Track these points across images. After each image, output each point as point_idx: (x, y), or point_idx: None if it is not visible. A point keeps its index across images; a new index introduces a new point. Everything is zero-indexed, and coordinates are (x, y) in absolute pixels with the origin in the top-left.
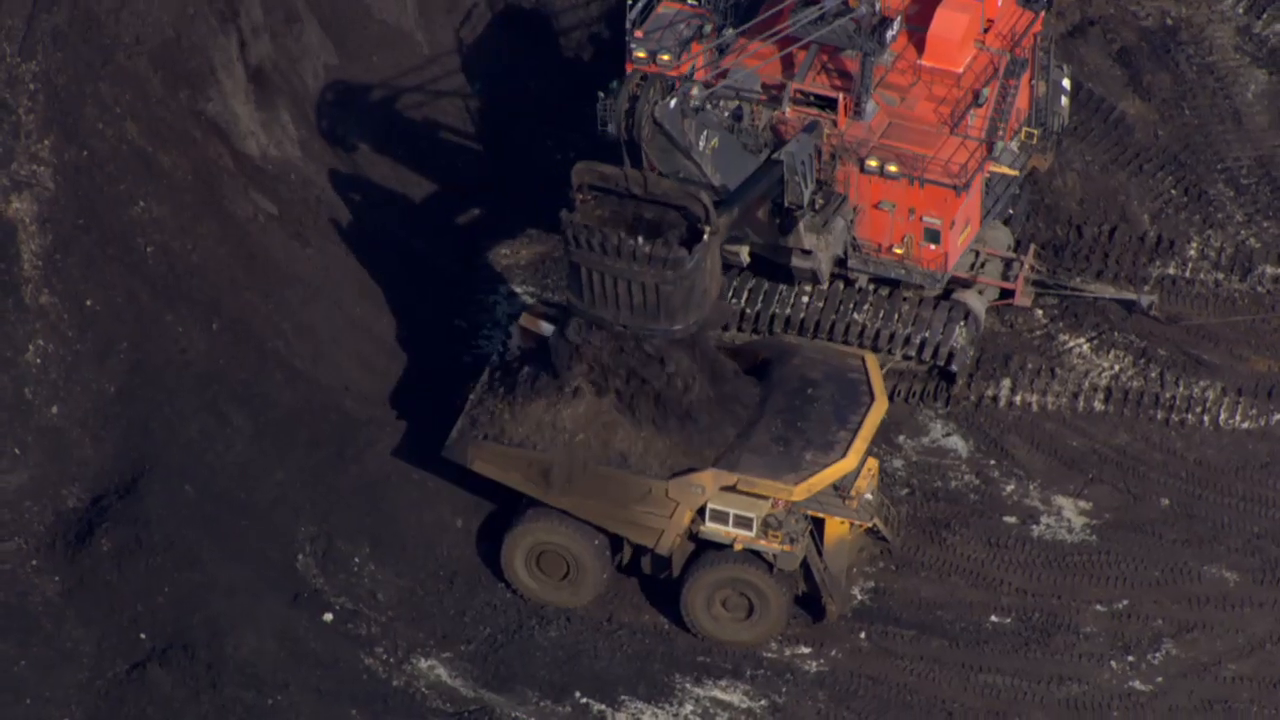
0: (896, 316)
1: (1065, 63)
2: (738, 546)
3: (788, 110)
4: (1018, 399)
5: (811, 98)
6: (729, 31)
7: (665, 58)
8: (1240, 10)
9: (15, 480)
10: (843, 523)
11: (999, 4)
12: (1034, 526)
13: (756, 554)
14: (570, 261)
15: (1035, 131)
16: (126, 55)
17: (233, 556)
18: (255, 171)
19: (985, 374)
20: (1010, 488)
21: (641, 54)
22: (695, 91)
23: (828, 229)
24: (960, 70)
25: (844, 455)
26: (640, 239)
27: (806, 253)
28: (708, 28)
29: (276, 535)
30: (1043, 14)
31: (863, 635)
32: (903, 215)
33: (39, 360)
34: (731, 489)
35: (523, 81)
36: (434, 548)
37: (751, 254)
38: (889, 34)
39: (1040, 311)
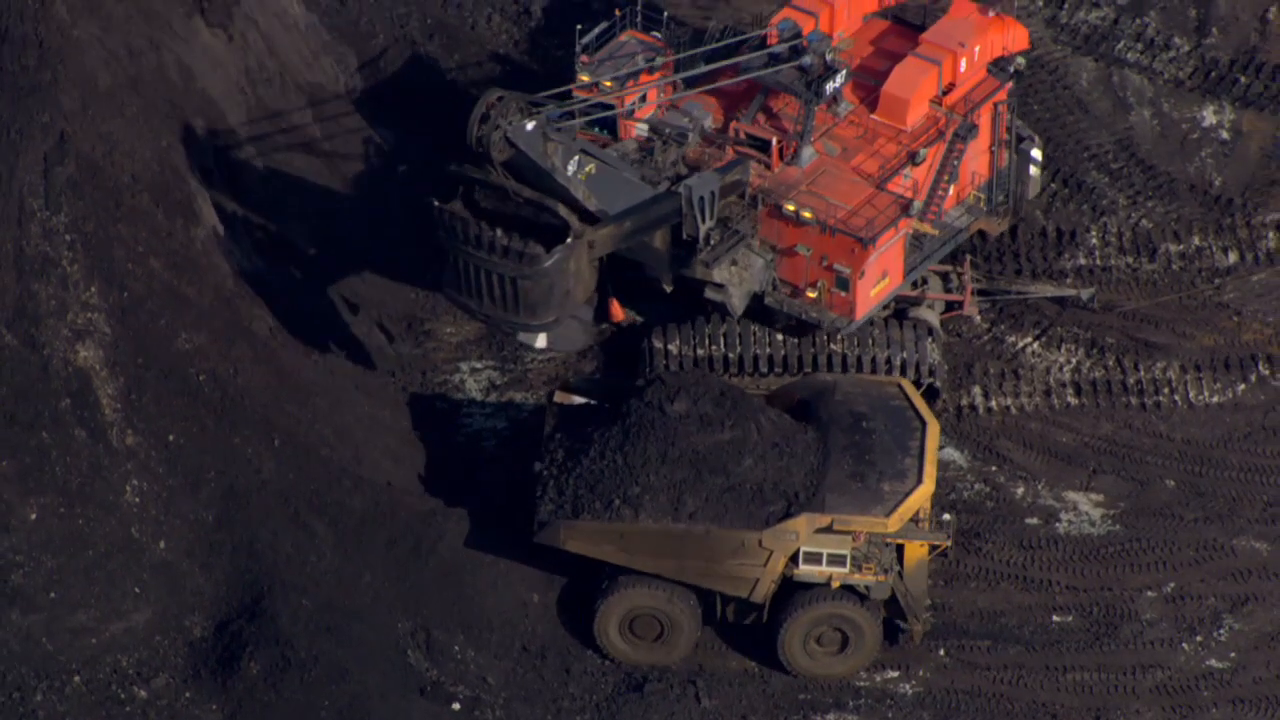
0: (870, 341)
1: (1036, 134)
2: (835, 584)
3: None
4: (994, 404)
5: (745, 137)
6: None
7: (608, 84)
8: (1041, 3)
9: (140, 618)
10: (921, 545)
11: (962, 68)
12: (1058, 524)
13: (849, 588)
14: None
15: (982, 196)
16: (131, 195)
17: (364, 662)
18: (259, 289)
19: (954, 384)
20: (1020, 490)
21: (585, 78)
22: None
23: (742, 265)
24: (909, 129)
25: (921, 481)
26: (500, 233)
27: (719, 286)
28: (659, 61)
29: (384, 634)
30: (1009, 84)
31: (941, 652)
32: (816, 261)
33: (138, 499)
34: (824, 531)
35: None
36: (518, 626)
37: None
38: (829, 86)
39: (978, 317)
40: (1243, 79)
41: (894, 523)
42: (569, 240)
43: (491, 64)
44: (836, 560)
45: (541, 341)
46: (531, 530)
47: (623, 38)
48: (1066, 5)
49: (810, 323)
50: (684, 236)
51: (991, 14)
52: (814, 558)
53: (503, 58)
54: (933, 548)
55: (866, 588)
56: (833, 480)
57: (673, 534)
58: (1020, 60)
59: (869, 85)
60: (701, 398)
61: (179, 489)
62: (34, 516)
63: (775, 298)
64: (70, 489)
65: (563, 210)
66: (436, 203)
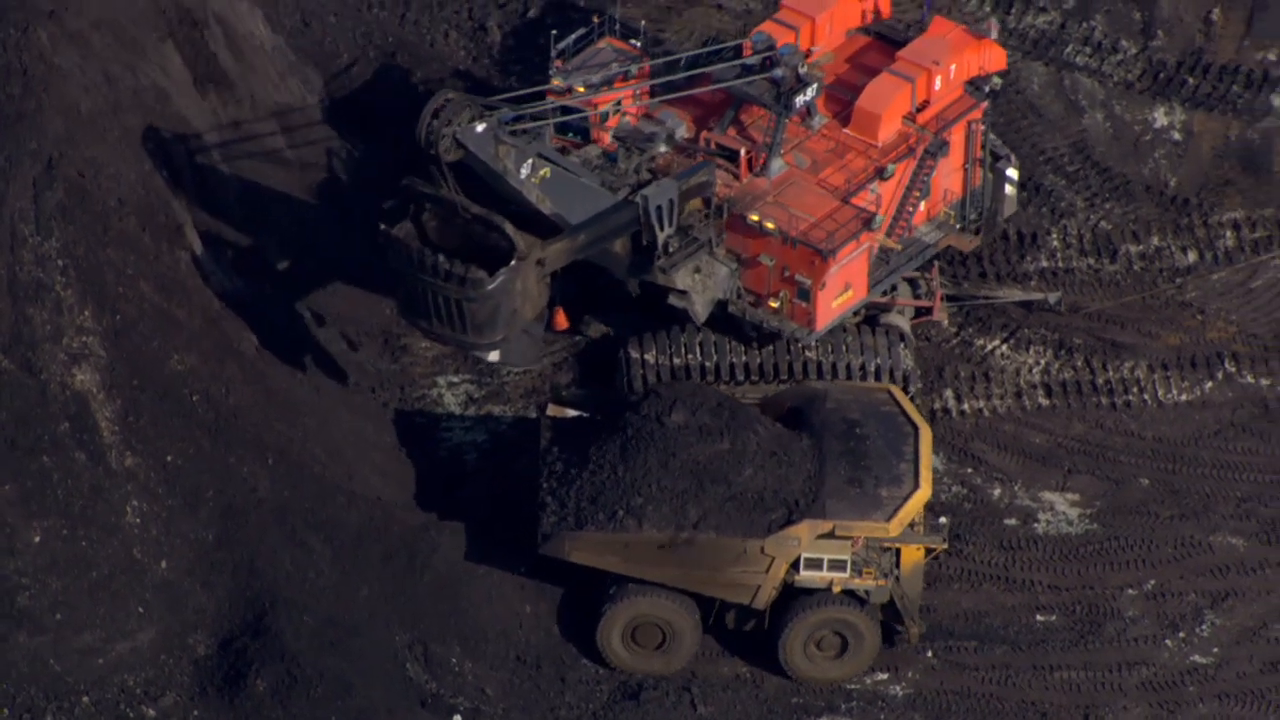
0: (844, 348)
1: (1013, 153)
2: (836, 589)
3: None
4: (967, 407)
5: (716, 147)
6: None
7: (580, 89)
8: (987, 9)
9: (145, 638)
10: (918, 549)
11: (937, 86)
12: (1036, 525)
13: (849, 592)
14: None
15: (952, 213)
16: (118, 218)
17: (367, 676)
18: (243, 308)
19: (926, 388)
20: (998, 492)
21: (558, 82)
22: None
23: (706, 273)
24: (880, 144)
25: (918, 485)
26: (442, 257)
27: (682, 293)
28: (634, 69)
29: (383, 648)
30: (984, 104)
31: (930, 654)
32: (778, 271)
33: (139, 520)
34: (825, 536)
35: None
36: (513, 636)
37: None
38: (799, 99)
39: (946, 321)
40: (1191, 80)
41: (894, 527)
42: (512, 263)
43: (453, 80)
44: (837, 565)
45: (494, 356)
46: (535, 542)
47: (600, 44)
48: (1014, 10)
49: (771, 332)
50: (644, 243)
51: (993, 32)
52: (815, 563)
53: (463, 73)
54: (928, 551)
55: (866, 592)
56: (831, 487)
57: (677, 543)
58: (997, 80)
59: (844, 99)
60: (699, 408)
61: (178, 509)
62: (38, 539)
63: (738, 306)
64: (72, 511)
65: (509, 229)
66: (382, 226)
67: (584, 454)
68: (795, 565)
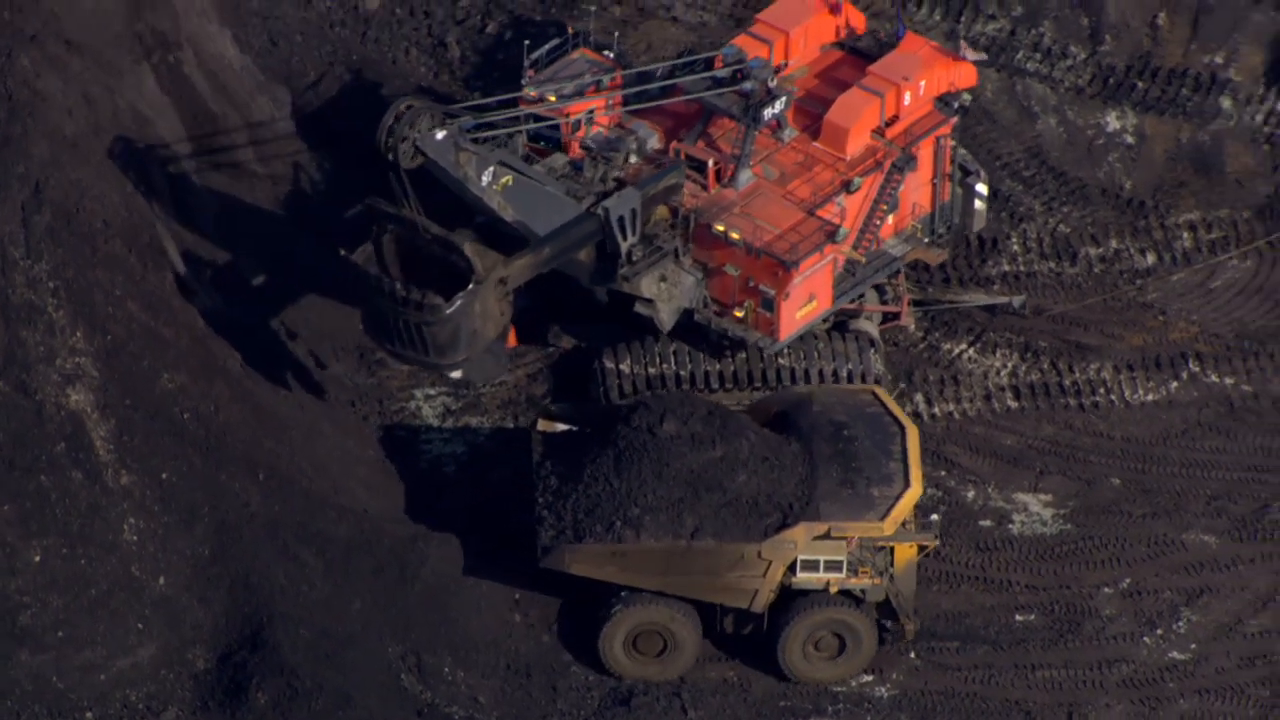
0: (816, 355)
1: (982, 169)
2: (833, 589)
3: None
4: (937, 410)
5: (685, 158)
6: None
7: (552, 99)
8: (938, 17)
9: (145, 653)
10: (910, 547)
11: (906, 102)
12: (1011, 526)
13: (845, 592)
14: None
15: (919, 226)
16: (104, 240)
17: (363, 688)
18: (226, 326)
19: (898, 393)
20: (971, 494)
21: (532, 92)
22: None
23: (672, 281)
24: (848, 157)
25: (909, 484)
26: (399, 285)
27: (647, 300)
28: (605, 80)
29: (377, 659)
30: (953, 120)
31: (912, 655)
32: (743, 281)
33: (135, 538)
34: (821, 538)
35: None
36: (502, 645)
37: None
38: (767, 112)
39: (912, 325)
40: (1140, 84)
41: (889, 526)
42: (470, 287)
43: (417, 95)
44: (833, 566)
45: (456, 374)
46: (520, 552)
47: (574, 55)
48: (963, 19)
49: (736, 341)
50: (608, 251)
51: (971, 57)
52: (811, 565)
53: (425, 89)
54: (921, 548)
55: (862, 591)
56: (824, 489)
57: (675, 551)
58: (966, 97)
59: (815, 113)
60: (690, 418)
61: (174, 526)
62: (38, 558)
63: (704, 315)
64: (71, 530)
65: (469, 251)
66: (342, 252)
67: (578, 467)
68: (792, 568)
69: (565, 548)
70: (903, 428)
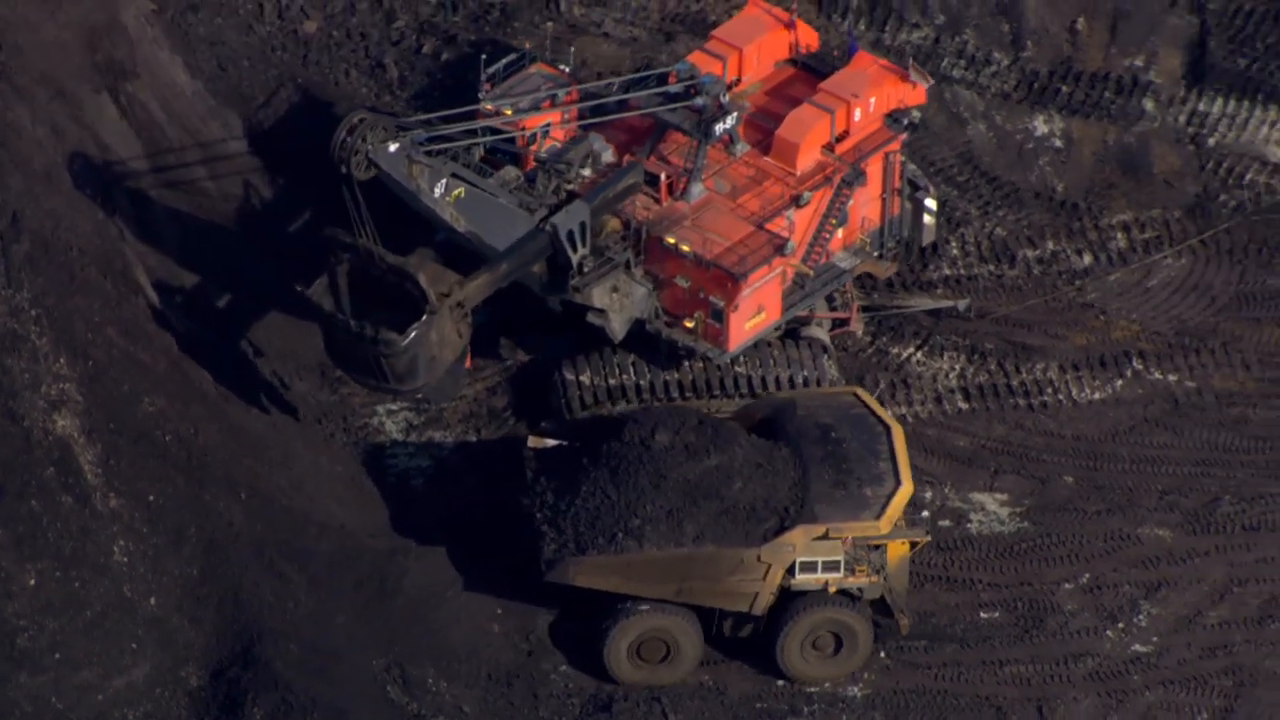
0: (771, 362)
1: (932, 184)
2: (832, 589)
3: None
4: (890, 413)
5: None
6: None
7: (508, 112)
8: (863, 26)
9: (140, 673)
10: (903, 543)
11: (856, 118)
12: (969, 525)
13: (842, 591)
14: None
15: (868, 240)
16: (80, 268)
17: (354, 701)
18: (198, 348)
19: None
20: (929, 495)
21: (489, 106)
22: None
23: (623, 292)
24: (798, 172)
25: (900, 482)
26: (354, 321)
27: (600, 311)
28: (561, 95)
29: (363, 672)
30: (902, 136)
31: (882, 654)
32: (694, 293)
33: (126, 559)
34: (818, 539)
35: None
36: (482, 655)
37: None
38: (719, 127)
39: (860, 331)
40: (1064, 88)
41: (885, 525)
42: (423, 318)
43: (363, 114)
44: (831, 566)
45: (417, 395)
46: (509, 565)
47: (531, 70)
48: (888, 28)
49: (687, 351)
50: (560, 262)
51: (917, 80)
52: (809, 566)
53: (369, 109)
54: (912, 544)
55: (859, 589)
56: (817, 491)
57: (676, 558)
58: (916, 113)
59: (766, 128)
60: (681, 428)
61: (163, 547)
62: (33, 582)
63: (655, 325)
64: (64, 553)
65: (422, 281)
66: (298, 288)
67: (573, 482)
68: (791, 570)
69: (569, 560)
70: (888, 427)
